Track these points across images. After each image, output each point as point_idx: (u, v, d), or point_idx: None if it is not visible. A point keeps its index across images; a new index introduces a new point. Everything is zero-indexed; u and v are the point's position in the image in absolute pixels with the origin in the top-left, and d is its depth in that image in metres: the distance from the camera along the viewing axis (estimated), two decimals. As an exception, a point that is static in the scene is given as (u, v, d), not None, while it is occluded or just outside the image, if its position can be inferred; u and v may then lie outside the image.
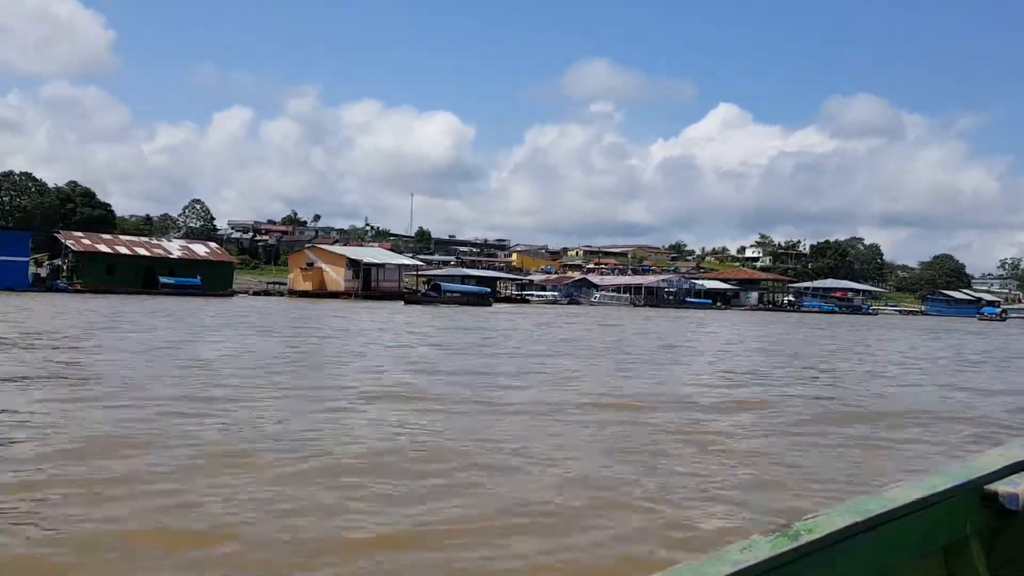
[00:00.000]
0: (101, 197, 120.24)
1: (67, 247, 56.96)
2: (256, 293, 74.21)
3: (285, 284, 74.58)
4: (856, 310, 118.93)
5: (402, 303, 60.96)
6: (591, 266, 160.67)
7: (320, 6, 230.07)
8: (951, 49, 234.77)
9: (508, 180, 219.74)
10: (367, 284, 74.39)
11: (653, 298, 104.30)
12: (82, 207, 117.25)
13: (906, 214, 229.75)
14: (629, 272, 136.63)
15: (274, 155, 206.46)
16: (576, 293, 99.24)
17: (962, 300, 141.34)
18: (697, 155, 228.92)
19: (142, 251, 59.60)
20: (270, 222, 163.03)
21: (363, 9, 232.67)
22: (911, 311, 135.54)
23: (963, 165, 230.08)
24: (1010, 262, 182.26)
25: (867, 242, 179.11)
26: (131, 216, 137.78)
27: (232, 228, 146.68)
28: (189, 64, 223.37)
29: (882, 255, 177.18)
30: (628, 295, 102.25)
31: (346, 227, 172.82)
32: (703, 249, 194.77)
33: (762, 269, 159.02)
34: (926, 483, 2.26)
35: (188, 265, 60.52)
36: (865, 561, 2.02)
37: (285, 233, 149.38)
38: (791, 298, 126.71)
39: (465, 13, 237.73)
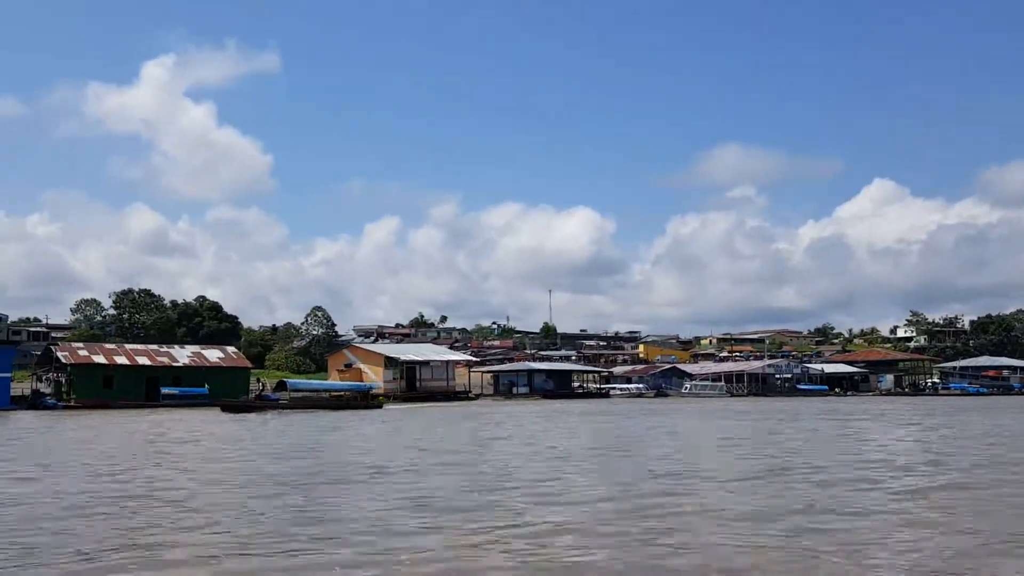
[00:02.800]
0: (266, 311, 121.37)
1: (59, 360, 53.04)
2: (297, 399, 68.40)
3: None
4: (1008, 390, 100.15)
5: (249, 411, 46.39)
6: (724, 354, 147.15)
7: (453, 117, 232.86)
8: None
9: (651, 272, 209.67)
10: (411, 384, 67.03)
11: (758, 386, 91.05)
12: (209, 320, 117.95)
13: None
14: (766, 360, 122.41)
15: (421, 261, 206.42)
16: (665, 384, 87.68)
17: None
18: (850, 234, 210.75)
19: (144, 360, 54.50)
20: (398, 325, 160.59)
21: (493, 115, 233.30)
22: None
23: None
24: None
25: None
26: (259, 327, 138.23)
27: (356, 333, 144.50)
28: (340, 180, 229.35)
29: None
30: (726, 384, 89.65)
31: (471, 327, 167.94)
32: (850, 331, 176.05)
33: (916, 350, 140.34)
34: None
35: (196, 373, 55.10)
36: None
37: (407, 336, 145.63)
38: (935, 380, 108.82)
39: (594, 108, 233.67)
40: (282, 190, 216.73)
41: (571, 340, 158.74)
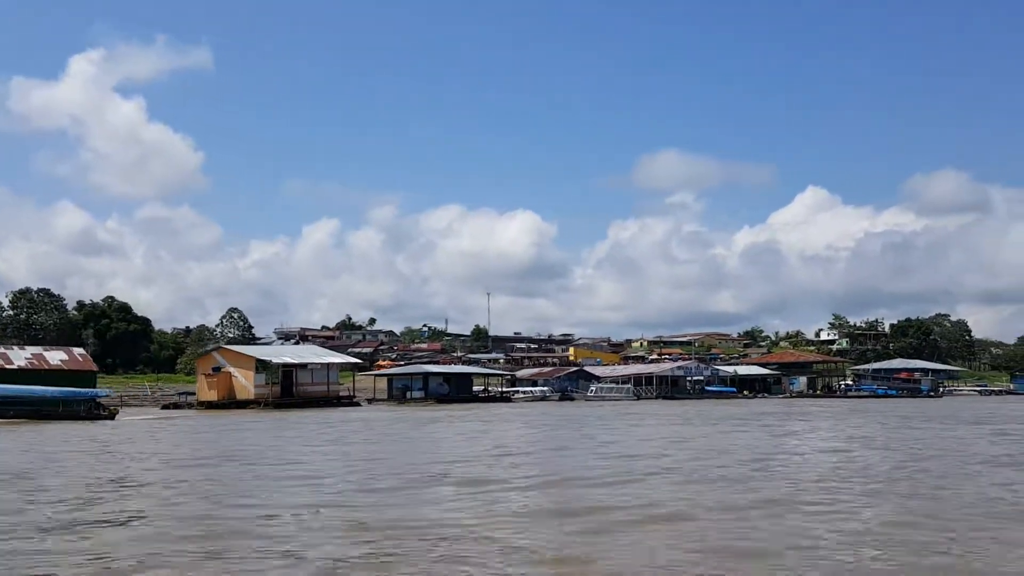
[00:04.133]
0: (200, 313, 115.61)
1: None
2: (166, 407, 63.39)
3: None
4: (916, 392, 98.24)
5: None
6: (654, 357, 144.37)
7: (397, 120, 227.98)
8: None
9: (593, 276, 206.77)
10: (288, 389, 62.40)
11: (667, 388, 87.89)
12: (117, 321, 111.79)
13: (1008, 291, 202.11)
14: (698, 362, 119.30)
15: (360, 263, 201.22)
16: (572, 387, 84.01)
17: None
18: (783, 240, 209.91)
19: (-32, 362, 49.54)
20: (324, 328, 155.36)
21: (434, 117, 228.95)
22: (996, 391, 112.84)
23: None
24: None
25: (957, 320, 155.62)
26: (172, 329, 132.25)
27: (277, 336, 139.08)
28: (276, 180, 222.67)
29: (970, 332, 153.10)
30: (635, 386, 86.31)
31: (400, 329, 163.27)
32: (777, 334, 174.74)
33: (838, 352, 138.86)
34: None
35: (34, 377, 49.99)
36: None
37: (330, 339, 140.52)
38: (848, 382, 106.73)
39: (536, 111, 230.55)
40: (215, 189, 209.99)
41: (502, 343, 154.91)
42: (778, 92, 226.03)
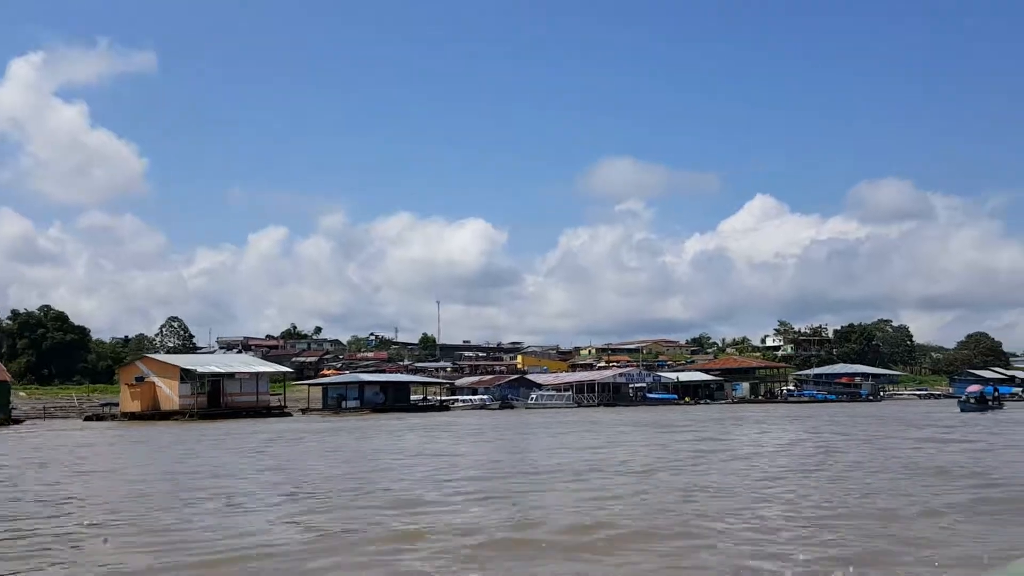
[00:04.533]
0: (143, 324, 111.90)
1: None
2: (88, 418, 61.07)
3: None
4: (855, 397, 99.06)
5: None
6: (602, 364, 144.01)
7: (345, 127, 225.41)
8: (971, 127, 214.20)
9: (544, 284, 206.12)
10: (215, 399, 60.46)
11: (609, 395, 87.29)
12: (54, 331, 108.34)
13: (947, 296, 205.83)
14: (641, 369, 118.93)
15: (309, 272, 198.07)
16: (512, 395, 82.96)
17: (993, 380, 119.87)
18: (732, 248, 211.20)
19: None
20: (268, 337, 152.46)
21: (384, 124, 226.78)
22: (935, 395, 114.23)
23: (1000, 244, 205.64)
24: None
25: (899, 325, 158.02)
26: (112, 339, 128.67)
27: (219, 346, 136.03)
28: (223, 187, 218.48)
29: (911, 337, 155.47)
30: (577, 393, 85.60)
31: (347, 338, 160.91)
32: (723, 340, 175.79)
33: (783, 358, 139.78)
34: None
35: (-61, 389, 47.87)
36: None
37: (274, 348, 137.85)
38: (791, 388, 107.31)
39: (487, 119, 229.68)
40: (160, 196, 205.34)
41: (451, 351, 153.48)
42: (727, 100, 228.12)
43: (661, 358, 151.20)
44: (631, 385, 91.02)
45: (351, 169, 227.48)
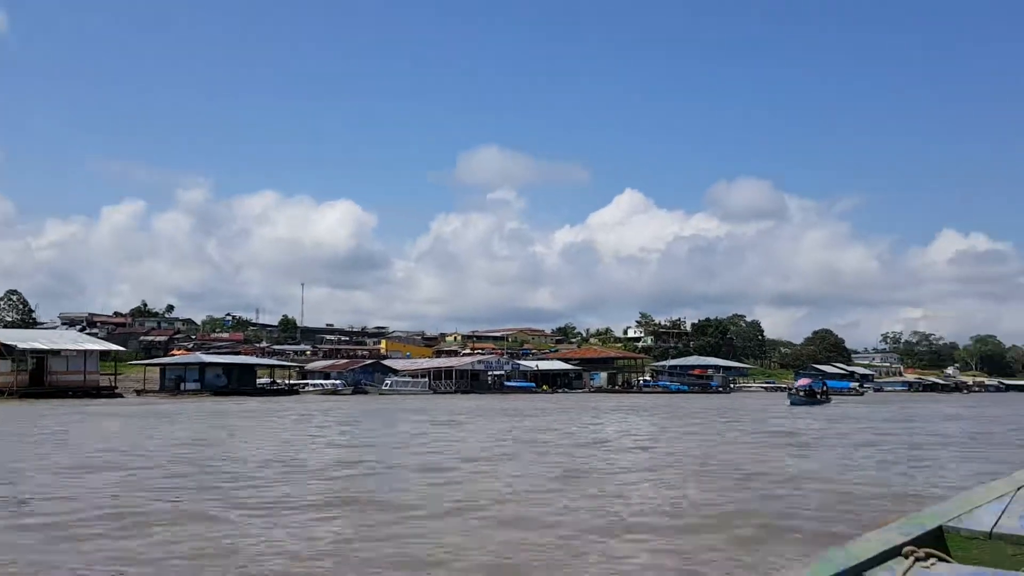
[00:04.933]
0: None
1: None
2: None
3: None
4: (706, 388, 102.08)
5: None
6: (466, 351, 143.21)
7: (208, 98, 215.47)
8: (827, 131, 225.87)
9: (414, 269, 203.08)
10: (38, 377, 55.80)
11: (466, 382, 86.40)
12: None
13: (798, 294, 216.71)
14: (503, 356, 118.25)
15: (167, 248, 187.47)
16: (366, 380, 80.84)
17: (835, 375, 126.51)
18: (600, 240, 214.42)
19: None
20: (116, 314, 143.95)
21: (249, 96, 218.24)
22: (781, 387, 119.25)
23: (847, 245, 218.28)
24: (891, 336, 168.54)
25: (752, 320, 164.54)
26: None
27: (62, 321, 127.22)
28: (77, 156, 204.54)
29: (763, 332, 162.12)
30: (433, 380, 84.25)
31: (202, 318, 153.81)
32: (587, 331, 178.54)
33: (643, 350, 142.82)
34: (809, 571, 2.09)
35: None
36: None
37: (121, 325, 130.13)
38: (647, 378, 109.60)
39: (358, 99, 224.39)
40: (8, 163, 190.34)
41: (312, 335, 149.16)
42: (598, 93, 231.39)
43: (526, 346, 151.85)
44: (490, 372, 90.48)
45: (214, 143, 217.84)
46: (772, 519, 9.21)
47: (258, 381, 76.60)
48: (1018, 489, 2.97)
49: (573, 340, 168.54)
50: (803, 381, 55.18)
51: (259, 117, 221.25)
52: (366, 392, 76.84)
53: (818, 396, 50.53)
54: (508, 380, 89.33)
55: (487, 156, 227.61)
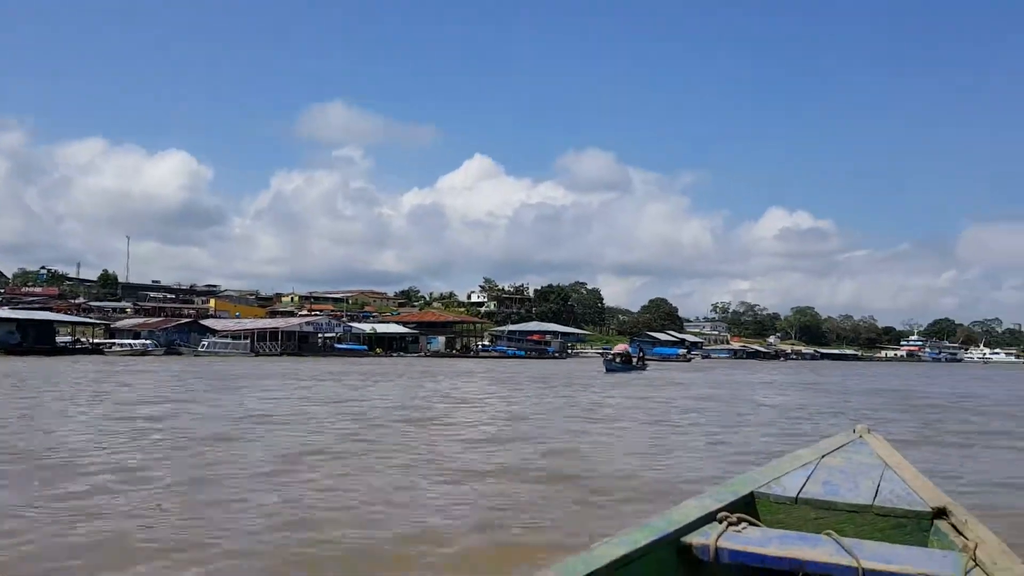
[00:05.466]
0: None
1: None
2: None
3: None
4: (544, 354, 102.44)
5: None
6: (303, 312, 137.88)
7: (25, 25, 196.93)
8: (673, 106, 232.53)
9: (253, 227, 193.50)
10: None
11: (294, 344, 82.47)
12: None
13: (639, 264, 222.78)
14: (344, 319, 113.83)
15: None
16: (181, 340, 75.54)
17: (667, 342, 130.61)
18: (448, 204, 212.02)
19: None
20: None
21: (74, 33, 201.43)
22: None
23: (686, 218, 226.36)
24: (720, 306, 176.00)
25: (593, 288, 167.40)
26: None
27: None
28: None
29: (602, 300, 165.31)
30: (257, 341, 79.87)
31: (14, 271, 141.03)
32: (431, 294, 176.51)
33: (486, 315, 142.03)
34: (630, 538, 2.19)
35: None
36: None
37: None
38: (485, 343, 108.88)
39: (196, 46, 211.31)
40: None
41: (135, 291, 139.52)
42: (451, 57, 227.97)
43: (367, 309, 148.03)
44: (320, 335, 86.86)
45: (33, 81, 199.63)
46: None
47: (59, 339, 70.05)
48: (822, 457, 3.18)
49: (416, 304, 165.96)
50: (619, 347, 55.00)
51: (82, 55, 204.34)
52: (180, 353, 71.67)
53: (634, 362, 50.40)
54: (339, 343, 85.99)
55: (333, 112, 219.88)
